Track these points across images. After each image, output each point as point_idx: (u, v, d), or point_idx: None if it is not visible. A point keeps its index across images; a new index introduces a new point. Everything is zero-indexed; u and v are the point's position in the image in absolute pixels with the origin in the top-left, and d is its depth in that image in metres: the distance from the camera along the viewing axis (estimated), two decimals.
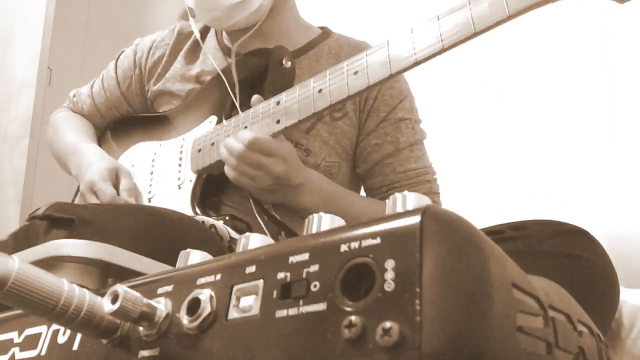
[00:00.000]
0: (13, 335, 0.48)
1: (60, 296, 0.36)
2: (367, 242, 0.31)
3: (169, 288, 0.39)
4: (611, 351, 0.43)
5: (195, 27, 1.22)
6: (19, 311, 0.48)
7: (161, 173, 1.14)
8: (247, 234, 0.40)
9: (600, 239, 0.79)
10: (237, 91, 1.09)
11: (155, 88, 1.24)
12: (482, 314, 0.29)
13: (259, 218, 1.01)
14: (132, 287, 0.38)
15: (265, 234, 0.75)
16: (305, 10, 1.26)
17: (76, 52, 2.64)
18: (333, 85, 0.95)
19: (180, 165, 1.12)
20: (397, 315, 0.28)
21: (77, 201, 1.24)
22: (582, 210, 1.53)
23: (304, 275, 0.33)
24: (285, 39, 1.16)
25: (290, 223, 1.04)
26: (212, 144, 1.07)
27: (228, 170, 1.00)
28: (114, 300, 0.36)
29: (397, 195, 0.35)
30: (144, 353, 0.38)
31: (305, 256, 0.34)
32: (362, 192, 1.22)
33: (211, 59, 1.20)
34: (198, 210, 1.04)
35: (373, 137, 1.14)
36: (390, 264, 0.30)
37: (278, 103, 1.00)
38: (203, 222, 0.90)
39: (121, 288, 0.36)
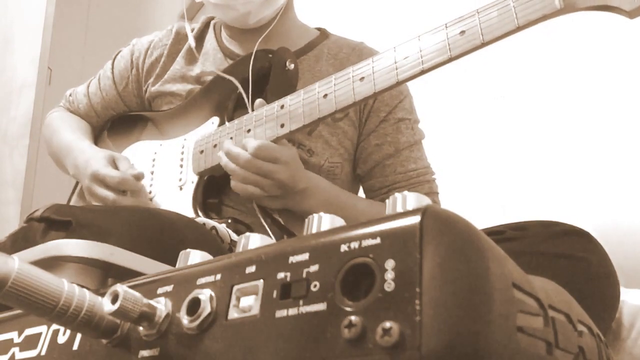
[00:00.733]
0: (13, 335, 0.48)
1: (60, 296, 0.36)
2: (367, 242, 0.31)
3: (169, 288, 0.39)
4: (611, 351, 0.43)
5: (190, 34, 1.22)
6: (19, 311, 0.48)
7: (162, 173, 1.14)
8: (247, 234, 0.40)
9: (600, 239, 0.79)
10: (250, 91, 1.09)
11: (154, 89, 1.24)
12: (482, 314, 0.29)
13: (263, 221, 1.01)
14: (132, 287, 0.38)
15: (269, 236, 0.75)
16: (299, 11, 1.26)
17: (76, 52, 2.64)
18: (339, 91, 0.95)
19: (181, 166, 1.12)
20: (397, 315, 0.28)
21: (75, 200, 1.24)
22: (583, 210, 1.53)
23: (304, 275, 0.33)
24: (286, 40, 1.16)
25: (293, 227, 1.04)
26: (215, 145, 1.07)
27: (233, 181, 1.00)
28: (114, 300, 0.36)
29: (397, 195, 0.35)
30: (144, 353, 0.38)
31: (305, 256, 0.34)
32: (361, 193, 1.22)
33: (212, 60, 1.20)
34: (200, 213, 1.03)
35: (373, 138, 1.14)
36: (390, 264, 0.30)
37: (282, 107, 1.00)
38: (204, 224, 0.90)
39: (121, 288, 0.36)
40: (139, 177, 1.07)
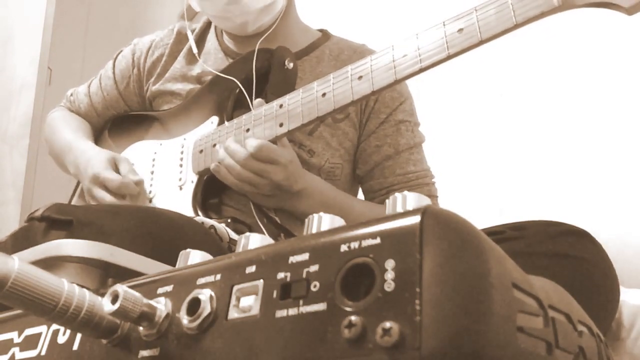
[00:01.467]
0: (13, 335, 0.48)
1: (60, 296, 0.36)
2: (367, 242, 0.31)
3: (169, 288, 0.39)
4: (611, 351, 0.43)
5: (191, 37, 1.22)
6: (19, 311, 0.48)
7: (162, 173, 1.14)
8: (247, 233, 0.40)
9: (600, 239, 0.79)
10: (253, 91, 1.09)
11: (155, 88, 1.24)
12: (482, 314, 0.29)
13: (257, 219, 1.01)
14: (132, 287, 0.38)
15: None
16: (302, 12, 1.26)
17: (76, 52, 2.64)
18: (337, 90, 0.94)
19: (181, 165, 1.12)
20: (397, 315, 0.28)
21: (76, 201, 1.24)
22: (582, 210, 1.53)
23: (304, 275, 0.33)
24: (287, 41, 1.16)
25: (290, 226, 1.04)
26: (214, 145, 1.07)
27: (226, 175, 0.99)
28: (114, 300, 0.36)
29: (397, 195, 0.35)
30: (144, 353, 0.38)
31: (305, 256, 0.34)
32: (360, 195, 1.22)
33: (213, 59, 1.20)
34: (199, 212, 1.04)
35: (373, 139, 1.14)
36: (390, 264, 0.30)
37: (281, 106, 1.00)
38: (203, 223, 0.90)
39: (121, 288, 0.36)
40: (139, 183, 1.08)
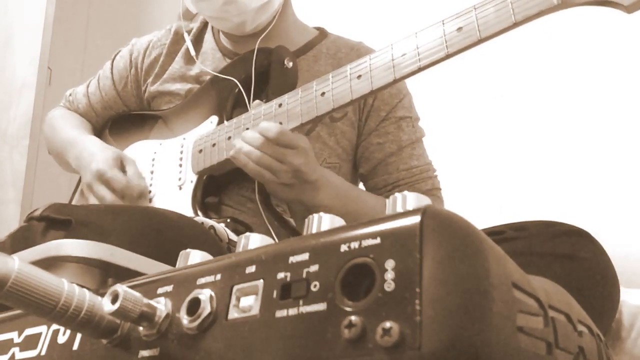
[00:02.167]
0: (13, 335, 0.48)
1: (60, 296, 0.36)
2: (367, 242, 0.31)
3: (169, 288, 0.39)
4: (611, 351, 0.43)
5: (188, 39, 1.22)
6: (19, 311, 0.48)
7: (162, 173, 1.14)
8: (247, 233, 0.40)
9: (600, 239, 0.79)
10: (252, 90, 1.08)
11: (153, 88, 1.24)
12: (482, 314, 0.29)
13: (267, 223, 1.00)
14: (132, 287, 0.38)
15: (273, 238, 0.74)
16: (299, 10, 1.26)
17: (76, 52, 2.64)
18: (336, 89, 0.94)
19: (180, 165, 1.12)
20: (397, 315, 0.28)
21: (77, 199, 1.24)
22: (582, 209, 1.53)
23: (304, 275, 0.33)
24: (285, 40, 1.16)
25: (300, 228, 1.03)
26: (213, 144, 1.07)
27: (246, 162, 0.95)
28: (114, 300, 0.36)
29: (397, 195, 0.35)
30: (144, 353, 0.38)
31: (305, 256, 0.34)
32: None
33: (210, 59, 1.20)
34: (199, 212, 1.03)
35: (375, 136, 1.14)
36: (390, 264, 0.30)
37: (280, 105, 1.00)
38: (202, 223, 0.90)
39: (121, 288, 0.36)
40: (143, 191, 1.07)
